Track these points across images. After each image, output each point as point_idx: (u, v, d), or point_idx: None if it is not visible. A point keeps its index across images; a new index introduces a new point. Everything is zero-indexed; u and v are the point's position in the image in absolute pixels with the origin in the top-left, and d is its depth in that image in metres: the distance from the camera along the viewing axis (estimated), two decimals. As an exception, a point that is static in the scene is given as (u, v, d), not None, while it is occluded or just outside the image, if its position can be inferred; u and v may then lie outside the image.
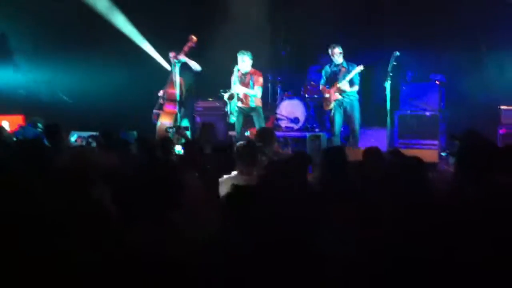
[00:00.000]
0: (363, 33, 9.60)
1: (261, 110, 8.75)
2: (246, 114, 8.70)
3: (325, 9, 10.01)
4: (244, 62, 8.52)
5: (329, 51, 8.64)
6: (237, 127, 8.68)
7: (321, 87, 8.94)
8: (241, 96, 8.61)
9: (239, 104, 8.64)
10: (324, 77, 8.85)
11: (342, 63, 8.64)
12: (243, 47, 8.90)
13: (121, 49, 10.21)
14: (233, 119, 8.68)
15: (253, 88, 8.58)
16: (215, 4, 10.34)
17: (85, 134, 8.04)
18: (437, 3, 9.35)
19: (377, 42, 9.59)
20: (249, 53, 8.54)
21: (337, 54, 8.57)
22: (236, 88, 8.58)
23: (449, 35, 9.41)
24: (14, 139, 6.84)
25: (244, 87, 8.59)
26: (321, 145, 8.32)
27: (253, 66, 8.66)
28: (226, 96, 8.66)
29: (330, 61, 8.77)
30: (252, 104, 8.62)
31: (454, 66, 9.48)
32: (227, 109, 8.75)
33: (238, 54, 8.56)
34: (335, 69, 8.70)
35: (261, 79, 8.66)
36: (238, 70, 8.62)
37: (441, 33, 9.47)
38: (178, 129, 8.24)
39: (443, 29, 9.41)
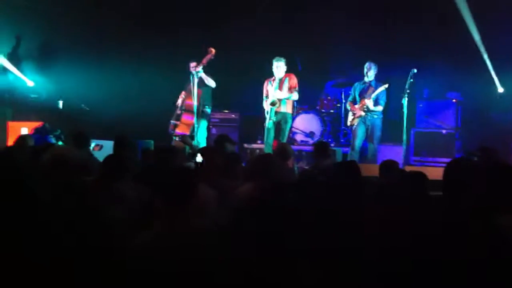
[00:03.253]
0: (380, 49, 9.63)
1: (290, 117, 8.69)
2: (277, 124, 8.60)
3: (343, 25, 10.07)
4: (279, 67, 8.51)
5: (365, 67, 8.67)
6: (270, 138, 8.57)
7: (348, 103, 8.94)
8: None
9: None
10: (352, 94, 8.86)
11: (371, 82, 8.65)
12: (260, 60, 8.94)
13: (140, 58, 10.33)
14: (270, 123, 8.55)
15: (287, 90, 8.54)
16: (232, 17, 10.44)
17: (103, 142, 8.14)
18: (454, 21, 9.36)
19: (394, 59, 9.62)
20: (284, 59, 8.55)
21: (370, 72, 8.61)
22: (276, 94, 8.51)
23: (467, 53, 9.40)
24: None
25: (279, 89, 8.53)
26: (336, 160, 8.33)
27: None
28: (269, 102, 8.53)
29: (361, 78, 8.80)
30: (283, 109, 8.56)
31: (471, 84, 9.47)
32: (267, 114, 8.57)
33: (273, 60, 8.55)
34: (363, 86, 8.72)
35: (296, 81, 8.60)
36: (270, 82, 8.60)
37: (458, 50, 9.48)
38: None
39: (461, 47, 9.42)
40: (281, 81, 8.59)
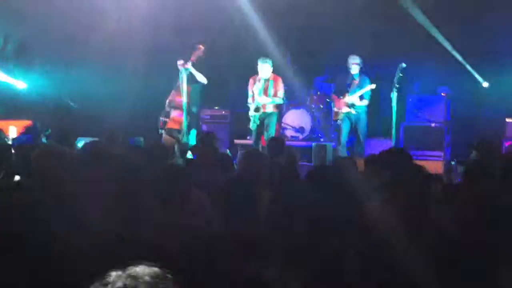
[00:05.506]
0: (370, 44, 9.63)
1: (275, 116, 8.75)
2: (262, 120, 8.66)
3: (332, 20, 10.06)
4: (264, 69, 8.51)
5: (348, 60, 8.68)
6: (255, 135, 8.67)
7: (332, 95, 8.96)
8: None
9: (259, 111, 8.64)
10: (336, 86, 8.88)
11: (354, 75, 8.66)
12: (248, 56, 8.94)
13: (128, 54, 10.27)
14: (254, 126, 8.62)
15: (272, 95, 8.57)
16: (222, 14, 10.40)
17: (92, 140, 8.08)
18: (443, 15, 9.39)
19: (384, 54, 9.62)
20: (270, 60, 8.55)
21: (352, 65, 8.62)
22: (261, 99, 8.54)
23: (455, 47, 9.43)
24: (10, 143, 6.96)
25: (264, 94, 8.58)
26: (327, 155, 8.34)
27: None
28: (253, 108, 8.60)
29: (345, 71, 8.80)
30: (269, 110, 8.62)
31: (460, 78, 9.50)
32: (252, 116, 8.65)
33: (259, 61, 8.54)
34: (347, 78, 8.74)
35: (281, 83, 8.65)
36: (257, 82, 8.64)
37: (447, 44, 9.50)
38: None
39: (450, 41, 9.44)
40: (266, 83, 8.59)
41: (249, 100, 8.72)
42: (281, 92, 8.62)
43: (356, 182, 3.83)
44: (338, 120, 8.67)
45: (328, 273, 2.64)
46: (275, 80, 8.62)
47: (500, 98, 9.20)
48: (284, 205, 3.20)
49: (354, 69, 8.63)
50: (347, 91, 8.58)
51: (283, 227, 2.88)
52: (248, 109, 8.87)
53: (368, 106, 8.70)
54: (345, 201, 3.50)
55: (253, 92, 8.65)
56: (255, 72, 8.82)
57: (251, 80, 8.74)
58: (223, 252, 2.66)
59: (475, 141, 5.53)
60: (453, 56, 9.33)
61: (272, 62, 8.58)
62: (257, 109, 8.53)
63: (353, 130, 8.63)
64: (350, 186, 3.79)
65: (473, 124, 9.20)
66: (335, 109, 8.76)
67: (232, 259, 2.56)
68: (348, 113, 8.58)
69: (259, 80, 8.61)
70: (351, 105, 8.52)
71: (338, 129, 8.76)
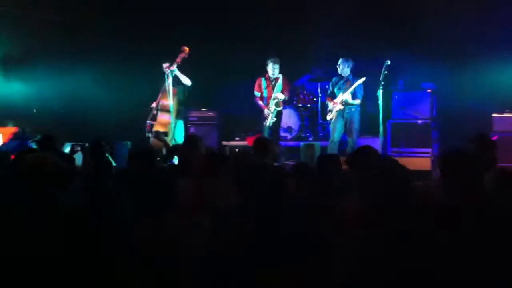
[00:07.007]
0: (354, 42, 9.65)
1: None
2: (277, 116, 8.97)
3: (317, 18, 10.08)
4: (276, 69, 8.82)
5: (339, 64, 8.72)
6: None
7: (326, 98, 9.00)
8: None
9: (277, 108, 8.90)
10: (330, 88, 8.91)
11: (348, 76, 8.70)
12: (234, 57, 8.92)
13: (114, 58, 10.24)
14: (271, 122, 8.86)
15: (281, 92, 8.87)
16: (207, 14, 10.39)
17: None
18: (427, 11, 9.42)
19: (369, 52, 9.64)
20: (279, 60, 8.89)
21: (344, 67, 8.66)
22: (278, 95, 8.81)
23: (440, 42, 9.48)
24: None
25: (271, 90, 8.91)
26: (315, 154, 8.35)
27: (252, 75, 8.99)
28: (273, 103, 8.84)
29: (337, 73, 8.84)
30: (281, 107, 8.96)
31: (445, 74, 9.54)
32: (270, 112, 8.84)
33: (269, 61, 8.82)
34: (341, 81, 8.77)
35: (287, 82, 8.98)
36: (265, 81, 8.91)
37: (432, 40, 9.55)
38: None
39: (434, 37, 9.49)
40: (273, 81, 8.87)
41: (257, 100, 8.97)
42: (287, 91, 8.92)
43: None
44: (332, 119, 8.68)
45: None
46: (283, 80, 8.89)
47: (486, 93, 9.24)
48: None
49: (346, 72, 8.66)
50: (342, 92, 8.62)
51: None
52: (236, 109, 8.96)
53: (361, 106, 8.73)
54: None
55: (261, 91, 8.91)
56: (242, 72, 8.90)
57: (259, 80, 8.95)
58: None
59: (472, 134, 5.51)
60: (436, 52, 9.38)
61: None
62: (278, 104, 8.82)
63: (347, 130, 8.66)
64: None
65: (459, 119, 9.24)
66: (330, 108, 8.76)
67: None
68: (341, 111, 8.60)
69: (269, 79, 8.88)
70: (344, 103, 8.56)
71: (331, 126, 8.76)
